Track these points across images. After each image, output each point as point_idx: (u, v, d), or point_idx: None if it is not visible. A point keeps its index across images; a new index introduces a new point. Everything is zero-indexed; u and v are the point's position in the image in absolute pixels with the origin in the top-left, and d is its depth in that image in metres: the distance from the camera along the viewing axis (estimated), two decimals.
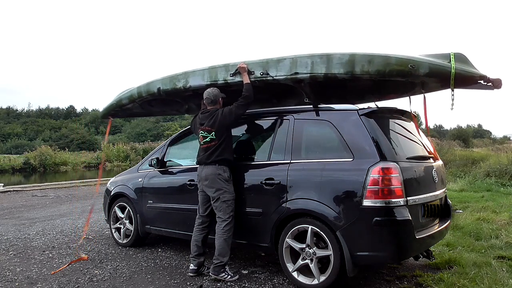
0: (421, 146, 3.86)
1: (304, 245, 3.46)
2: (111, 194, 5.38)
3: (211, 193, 3.86)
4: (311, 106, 3.76)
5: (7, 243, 5.42)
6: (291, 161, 3.66)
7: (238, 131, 4.25)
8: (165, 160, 4.90)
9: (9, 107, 70.60)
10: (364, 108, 3.52)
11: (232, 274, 3.82)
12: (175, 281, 3.83)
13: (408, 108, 3.90)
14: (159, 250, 5.00)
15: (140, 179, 5.05)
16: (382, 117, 3.62)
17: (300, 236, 3.51)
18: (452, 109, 3.35)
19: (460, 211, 6.77)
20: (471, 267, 3.88)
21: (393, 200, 3.12)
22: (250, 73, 3.83)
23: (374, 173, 3.14)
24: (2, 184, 12.66)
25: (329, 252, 3.31)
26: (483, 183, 10.35)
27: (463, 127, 55.52)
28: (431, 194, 3.59)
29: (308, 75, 3.55)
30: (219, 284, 3.71)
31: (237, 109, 3.86)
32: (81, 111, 74.04)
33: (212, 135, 3.87)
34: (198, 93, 4.13)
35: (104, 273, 4.09)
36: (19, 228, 6.42)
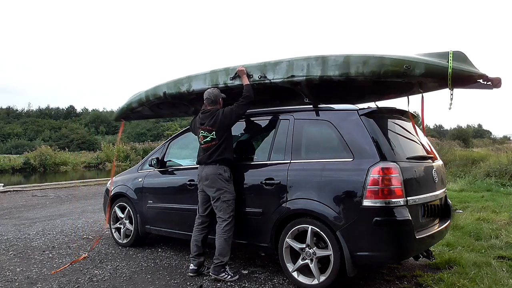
0: (421, 146, 3.86)
1: (304, 245, 3.46)
2: (111, 194, 5.37)
3: (211, 193, 3.86)
4: (311, 106, 3.76)
5: (7, 243, 5.42)
6: (291, 161, 3.66)
7: (238, 131, 4.25)
8: (165, 160, 4.90)
9: (9, 107, 70.61)
10: (364, 108, 3.52)
11: (232, 274, 3.82)
12: (175, 281, 3.83)
13: (407, 108, 3.90)
14: (159, 250, 4.99)
15: (140, 179, 5.06)
16: (382, 117, 3.62)
17: (300, 236, 3.51)
18: (450, 108, 3.32)
19: (460, 211, 6.77)
20: (471, 267, 3.88)
21: (393, 200, 3.12)
22: (249, 76, 3.89)
23: (374, 173, 3.14)
24: (2, 184, 12.66)
25: (329, 252, 3.31)
26: (483, 183, 10.35)
27: (463, 127, 55.58)
28: (431, 194, 3.59)
29: (304, 77, 3.59)
30: (219, 284, 3.71)
31: (238, 109, 3.88)
32: (81, 111, 74.02)
33: (212, 135, 3.87)
34: (202, 96, 4.16)
35: (104, 273, 4.09)
36: (19, 228, 6.42)
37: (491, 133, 63.71)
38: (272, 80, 3.78)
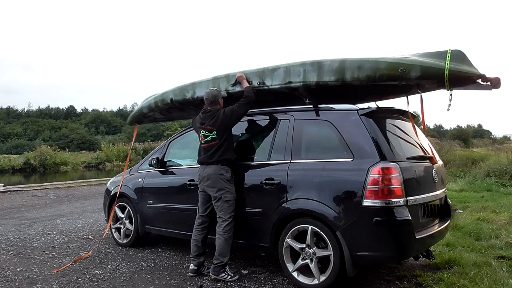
0: (420, 146, 3.85)
1: (304, 245, 3.45)
2: (111, 194, 5.38)
3: (212, 192, 3.86)
4: (311, 106, 3.76)
5: (7, 243, 5.42)
6: (291, 161, 3.66)
7: (238, 131, 4.25)
8: (165, 160, 4.90)
9: (9, 107, 70.70)
10: (364, 108, 3.52)
11: (232, 274, 3.82)
12: (175, 281, 3.83)
13: (407, 108, 3.89)
14: (159, 250, 4.99)
15: (140, 179, 5.06)
16: (382, 117, 3.62)
17: (300, 236, 3.51)
18: (448, 110, 3.30)
19: (460, 211, 6.76)
20: (471, 267, 3.88)
21: (393, 200, 3.11)
22: (248, 82, 3.99)
23: (374, 173, 3.14)
24: (2, 184, 12.65)
25: (329, 252, 3.31)
26: (483, 183, 10.34)
27: (463, 127, 55.59)
28: (431, 194, 3.59)
29: (301, 83, 3.66)
30: (219, 284, 3.71)
31: (239, 109, 3.89)
32: (81, 111, 74.10)
33: (213, 134, 3.88)
34: None
35: (104, 273, 4.09)
36: (19, 228, 6.42)
37: (491, 133, 63.73)
38: (270, 87, 3.88)
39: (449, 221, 3.93)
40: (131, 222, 5.09)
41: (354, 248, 3.21)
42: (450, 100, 3.27)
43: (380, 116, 3.57)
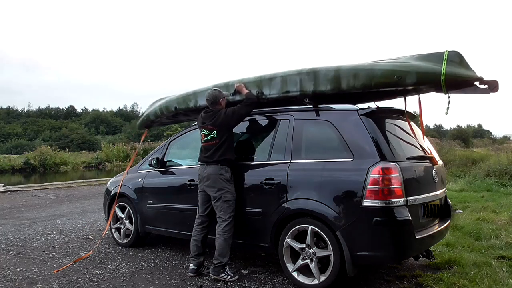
0: (420, 146, 3.85)
1: (304, 245, 3.45)
2: (111, 194, 5.38)
3: (212, 192, 3.86)
4: (311, 106, 3.76)
5: (7, 243, 5.42)
6: (291, 161, 3.66)
7: (238, 131, 4.25)
8: (165, 160, 4.90)
9: (9, 107, 70.75)
10: (364, 108, 3.52)
11: (232, 274, 3.82)
12: (175, 281, 3.83)
13: (407, 109, 3.89)
14: (159, 250, 5.00)
15: (140, 179, 5.06)
16: (382, 117, 3.62)
17: (300, 236, 3.51)
18: (447, 113, 3.30)
19: (460, 211, 6.76)
20: (471, 267, 3.88)
21: (393, 200, 3.11)
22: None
23: (374, 173, 3.14)
24: (2, 184, 12.65)
25: (329, 252, 3.31)
26: (483, 183, 10.34)
27: (463, 127, 55.64)
28: (431, 194, 3.59)
29: (298, 93, 3.72)
30: (219, 284, 3.71)
31: (240, 109, 3.90)
32: (81, 111, 74.13)
33: (213, 134, 3.88)
34: None
35: (104, 273, 4.09)
36: (19, 228, 6.42)
37: (491, 133, 63.81)
38: (268, 96, 3.95)
39: (449, 221, 3.93)
40: (131, 222, 5.09)
41: (354, 248, 3.21)
42: (449, 103, 3.27)
43: (380, 116, 3.57)
